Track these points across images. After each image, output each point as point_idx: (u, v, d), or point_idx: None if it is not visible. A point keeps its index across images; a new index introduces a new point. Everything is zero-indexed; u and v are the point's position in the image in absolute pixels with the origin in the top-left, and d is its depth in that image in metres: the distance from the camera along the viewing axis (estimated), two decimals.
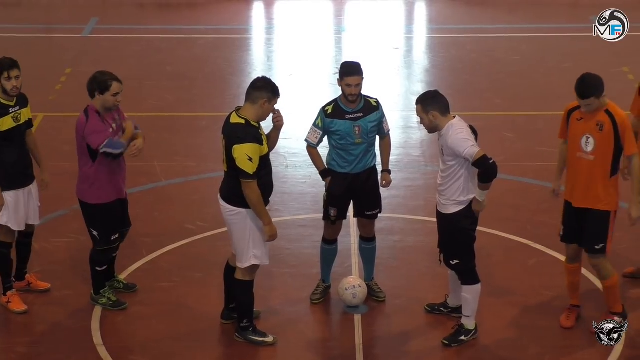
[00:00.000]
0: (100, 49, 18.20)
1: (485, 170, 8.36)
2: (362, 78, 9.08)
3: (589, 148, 8.65)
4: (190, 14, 20.75)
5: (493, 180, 8.45)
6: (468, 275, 8.76)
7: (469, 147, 8.35)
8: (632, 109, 9.51)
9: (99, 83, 8.89)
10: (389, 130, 9.40)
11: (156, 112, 14.91)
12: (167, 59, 17.60)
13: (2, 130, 9.03)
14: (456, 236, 8.68)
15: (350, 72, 9.04)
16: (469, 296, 8.78)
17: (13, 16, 20.54)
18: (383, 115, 9.28)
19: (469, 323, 8.88)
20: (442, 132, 8.53)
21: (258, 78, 8.55)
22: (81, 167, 9.07)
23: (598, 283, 9.53)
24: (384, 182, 9.43)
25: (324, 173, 9.29)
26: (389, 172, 9.47)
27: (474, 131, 8.66)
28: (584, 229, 8.84)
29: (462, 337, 8.88)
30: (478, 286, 8.79)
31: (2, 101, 9.07)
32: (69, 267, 10.20)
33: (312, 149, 9.28)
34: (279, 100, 8.53)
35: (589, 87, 8.53)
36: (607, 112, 8.59)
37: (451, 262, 8.79)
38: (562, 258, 10.28)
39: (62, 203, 11.26)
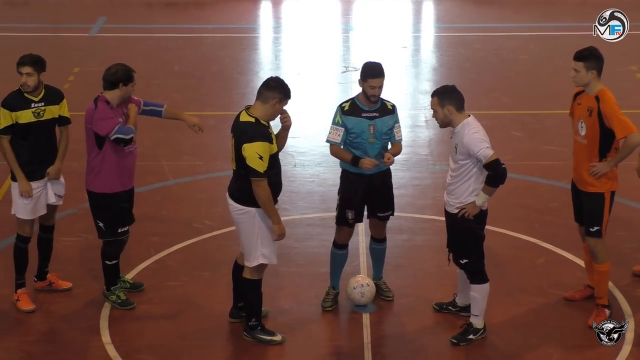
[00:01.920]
0: (108, 48, 18.22)
1: (495, 174, 8.37)
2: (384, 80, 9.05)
3: (582, 132, 8.85)
4: (198, 13, 20.77)
5: (499, 187, 8.46)
6: (477, 275, 8.75)
7: (484, 148, 8.36)
8: None
9: (124, 73, 9.00)
10: (400, 139, 9.26)
11: None
12: (174, 58, 17.63)
13: (20, 123, 9.10)
14: (465, 236, 8.68)
15: (373, 74, 9.00)
16: (478, 295, 8.77)
17: (21, 15, 20.58)
18: (397, 121, 9.21)
19: (477, 322, 8.87)
20: (456, 129, 8.52)
21: (271, 78, 8.54)
22: (88, 156, 9.13)
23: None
24: (386, 157, 9.00)
25: (354, 160, 9.04)
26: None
27: None
28: (584, 211, 9.02)
29: (471, 336, 8.87)
30: (487, 285, 8.78)
31: (25, 95, 9.16)
32: (77, 266, 10.21)
33: (335, 147, 9.18)
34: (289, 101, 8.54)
35: (583, 51, 8.83)
36: (596, 98, 8.76)
37: (460, 261, 8.79)
38: (571, 257, 10.31)
39: (70, 202, 11.25)
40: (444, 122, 8.57)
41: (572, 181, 9.13)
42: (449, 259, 8.93)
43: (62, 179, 9.48)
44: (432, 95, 8.59)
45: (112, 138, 8.90)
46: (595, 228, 8.91)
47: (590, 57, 8.77)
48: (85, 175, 9.19)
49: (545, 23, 19.69)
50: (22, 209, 9.28)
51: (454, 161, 8.58)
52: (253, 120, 8.39)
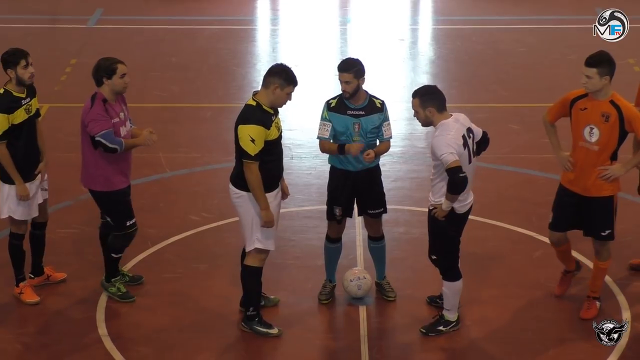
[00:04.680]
0: (105, 39, 18.19)
1: (453, 181, 8.25)
2: (356, 78, 8.87)
3: (593, 139, 8.64)
4: (195, 5, 20.72)
5: (458, 195, 8.33)
6: (447, 272, 8.72)
7: (447, 153, 8.21)
8: (637, 102, 9.45)
9: (105, 69, 8.88)
10: (390, 137, 9.13)
11: (161, 103, 14.90)
12: (171, 50, 17.59)
13: (15, 124, 8.97)
14: (437, 233, 8.63)
15: (341, 67, 8.94)
16: (448, 291, 8.76)
17: (18, 7, 20.52)
18: (386, 119, 9.07)
19: (449, 315, 8.87)
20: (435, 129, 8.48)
21: (276, 64, 8.55)
22: (84, 154, 9.05)
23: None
24: (367, 154, 8.89)
25: (341, 148, 8.95)
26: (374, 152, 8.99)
27: (471, 132, 8.55)
28: (589, 217, 8.85)
29: (441, 327, 8.86)
30: (458, 283, 8.74)
31: (14, 94, 9.00)
32: (74, 258, 10.20)
33: (324, 142, 9.09)
34: (295, 88, 8.49)
35: (596, 56, 8.55)
36: (613, 102, 8.58)
37: (431, 256, 8.76)
38: None
39: (66, 194, 11.25)
40: (426, 123, 8.52)
41: (570, 190, 8.88)
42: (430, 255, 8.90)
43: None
44: (413, 96, 8.46)
45: (95, 139, 8.81)
46: (607, 231, 8.82)
47: (604, 62, 8.50)
48: (82, 171, 9.11)
49: (544, 16, 19.66)
50: (20, 210, 9.17)
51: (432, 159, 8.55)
52: (254, 104, 8.41)
